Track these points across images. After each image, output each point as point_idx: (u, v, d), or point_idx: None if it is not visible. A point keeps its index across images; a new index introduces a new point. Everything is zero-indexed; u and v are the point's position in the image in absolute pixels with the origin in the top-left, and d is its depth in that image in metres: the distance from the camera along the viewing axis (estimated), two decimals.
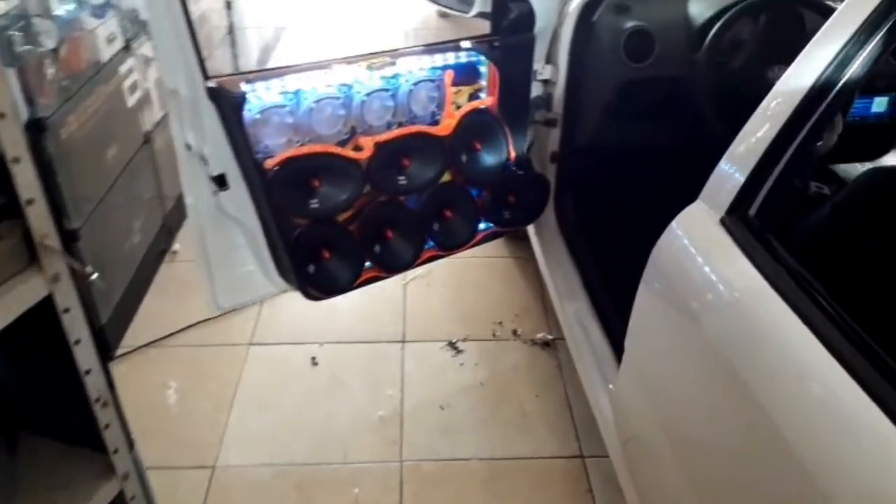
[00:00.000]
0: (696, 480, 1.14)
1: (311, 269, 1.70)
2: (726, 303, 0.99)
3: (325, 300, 1.76)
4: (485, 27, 1.87)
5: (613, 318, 1.79)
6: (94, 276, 0.77)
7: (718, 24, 1.68)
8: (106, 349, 1.65)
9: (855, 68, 0.91)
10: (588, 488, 1.85)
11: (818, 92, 0.93)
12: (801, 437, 0.85)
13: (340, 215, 1.69)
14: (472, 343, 2.31)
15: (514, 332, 2.36)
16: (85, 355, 0.87)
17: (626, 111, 1.93)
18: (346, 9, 5.60)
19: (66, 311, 0.82)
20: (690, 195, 2.03)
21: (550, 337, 2.34)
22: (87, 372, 0.88)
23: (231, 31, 3.53)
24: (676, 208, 2.08)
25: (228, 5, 3.51)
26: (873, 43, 0.89)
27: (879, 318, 0.86)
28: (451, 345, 2.30)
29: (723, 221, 1.03)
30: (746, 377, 0.93)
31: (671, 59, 1.83)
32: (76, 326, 0.84)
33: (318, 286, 1.72)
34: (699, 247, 1.06)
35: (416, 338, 2.33)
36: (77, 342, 0.85)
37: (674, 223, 1.14)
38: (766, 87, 1.74)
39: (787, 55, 1.71)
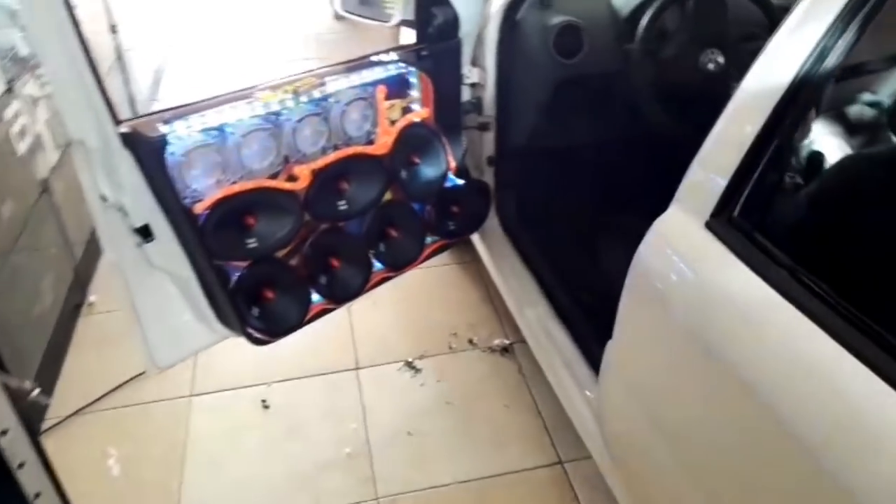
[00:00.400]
0: (700, 485, 1.12)
1: (255, 312, 1.60)
2: (728, 309, 0.95)
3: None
4: (389, 29, 1.79)
5: (577, 320, 1.76)
6: (36, 391, 0.65)
7: (650, 13, 1.67)
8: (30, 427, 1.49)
9: (836, 56, 0.89)
10: (574, 495, 1.82)
11: (800, 85, 0.91)
12: (825, 441, 0.82)
13: (280, 251, 1.58)
14: (429, 360, 2.23)
15: (471, 342, 2.30)
16: (32, 479, 0.74)
17: (560, 109, 1.90)
18: (240, 19, 5.37)
19: (4, 433, 0.70)
20: (634, 187, 2.04)
21: (508, 341, 2.29)
22: (37, 495, 0.75)
23: (120, 57, 3.29)
24: (622, 201, 2.09)
25: (114, 29, 3.27)
26: (854, 28, 0.87)
27: (882, 306, 0.85)
28: (409, 364, 2.21)
29: (708, 225, 1.00)
30: (757, 383, 0.90)
31: (601, 52, 1.81)
32: (17, 449, 0.71)
33: (265, 329, 1.62)
34: (688, 255, 1.03)
35: (371, 362, 2.23)
36: (21, 465, 0.72)
37: (652, 232, 1.10)
38: (701, 72, 1.77)
39: (716, 39, 1.75)
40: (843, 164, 1.16)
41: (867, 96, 1.92)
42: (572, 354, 1.71)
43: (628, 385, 1.26)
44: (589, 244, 2.01)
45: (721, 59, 1.67)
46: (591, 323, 1.70)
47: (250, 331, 1.59)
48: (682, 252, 1.04)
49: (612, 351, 1.30)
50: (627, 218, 2.04)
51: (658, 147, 1.85)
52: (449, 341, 2.30)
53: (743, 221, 0.96)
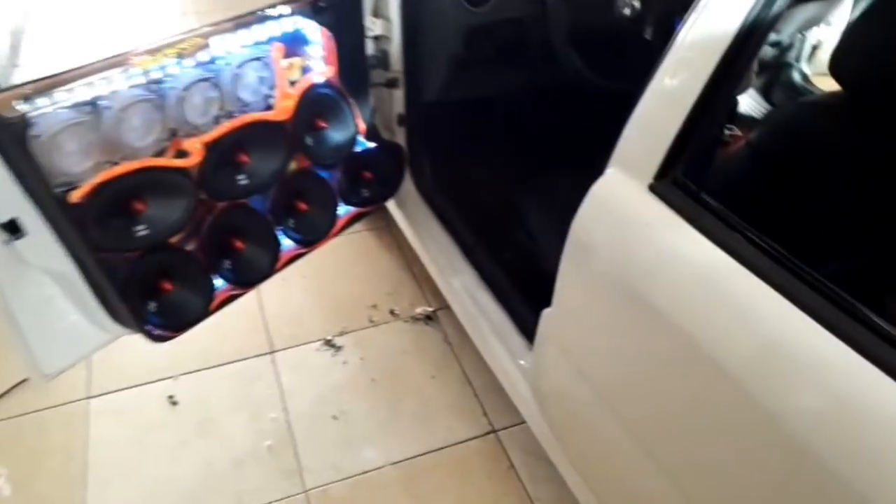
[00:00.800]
0: (645, 449, 1.12)
1: (152, 306, 1.48)
2: (679, 275, 0.93)
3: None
4: None
5: (506, 287, 1.72)
6: None
7: None
8: None
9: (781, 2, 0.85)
10: (510, 464, 1.82)
11: (747, 34, 0.86)
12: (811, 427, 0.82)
13: (175, 236, 1.46)
14: (349, 336, 2.16)
15: (392, 313, 2.24)
16: None
17: (472, 60, 1.83)
18: None
19: None
20: (558, 141, 2.01)
21: (431, 309, 2.25)
22: None
23: None
24: (546, 157, 2.06)
25: None
26: None
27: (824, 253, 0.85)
28: (328, 343, 2.13)
29: (652, 188, 0.96)
30: (710, 346, 0.89)
31: None
32: None
33: (165, 324, 1.51)
34: (632, 221, 0.99)
35: (286, 344, 2.13)
36: None
37: (591, 196, 1.06)
38: (617, 18, 1.73)
39: None
40: (785, 114, 1.14)
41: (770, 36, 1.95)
42: (503, 322, 1.68)
43: (570, 355, 1.24)
44: (513, 205, 1.98)
45: (637, 4, 1.63)
46: (521, 289, 1.67)
47: (148, 328, 1.47)
48: (626, 218, 1.00)
49: (551, 320, 1.27)
50: (553, 175, 2.03)
51: (579, 98, 1.82)
52: (369, 314, 2.23)
53: (690, 182, 0.93)
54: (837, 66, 0.94)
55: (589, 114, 1.93)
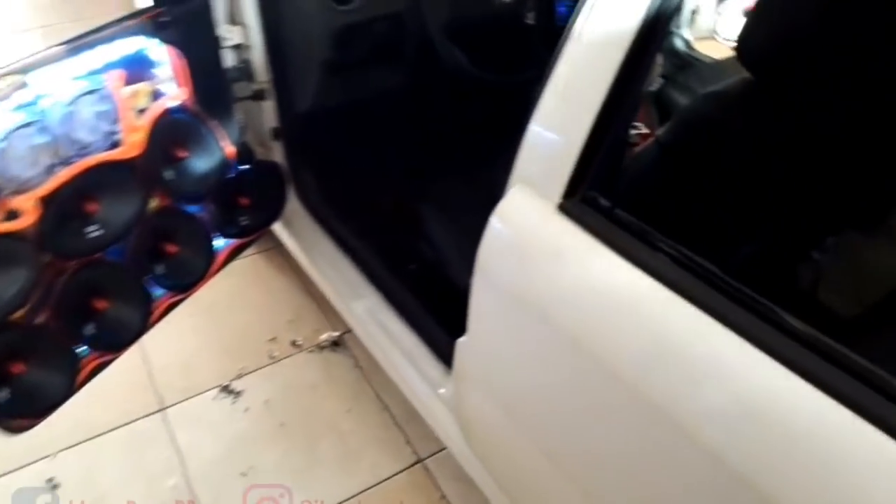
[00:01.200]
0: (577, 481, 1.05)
1: (4, 394, 1.29)
2: (600, 302, 0.85)
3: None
4: None
5: (415, 307, 1.62)
6: None
7: None
8: None
9: None
10: (441, 494, 1.73)
11: (653, 21, 0.77)
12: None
13: (19, 311, 1.27)
14: (249, 377, 1.99)
15: (294, 344, 2.09)
16: None
17: (346, 63, 1.70)
18: None
19: None
20: (448, 142, 1.90)
21: (336, 334, 2.11)
22: None
23: None
24: (438, 162, 1.95)
25: None
26: None
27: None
28: (225, 389, 1.96)
29: (562, 208, 0.87)
30: (631, 373, 0.83)
31: None
32: None
33: (22, 412, 1.33)
34: (543, 246, 0.89)
35: (178, 397, 1.94)
36: None
37: (496, 221, 0.95)
38: (496, 3, 1.65)
39: None
40: (694, 108, 1.07)
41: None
42: (416, 349, 1.57)
43: (489, 387, 1.16)
44: (411, 216, 1.86)
45: None
46: (432, 310, 1.57)
47: (3, 419, 1.29)
48: (536, 245, 0.90)
49: (467, 350, 1.18)
50: (449, 178, 1.93)
51: (464, 94, 1.73)
52: (268, 349, 2.07)
53: (604, 198, 0.84)
54: (746, 52, 0.87)
55: (478, 110, 1.85)
